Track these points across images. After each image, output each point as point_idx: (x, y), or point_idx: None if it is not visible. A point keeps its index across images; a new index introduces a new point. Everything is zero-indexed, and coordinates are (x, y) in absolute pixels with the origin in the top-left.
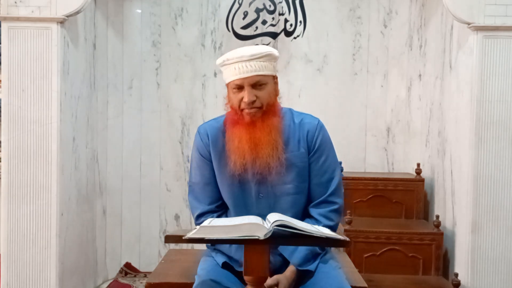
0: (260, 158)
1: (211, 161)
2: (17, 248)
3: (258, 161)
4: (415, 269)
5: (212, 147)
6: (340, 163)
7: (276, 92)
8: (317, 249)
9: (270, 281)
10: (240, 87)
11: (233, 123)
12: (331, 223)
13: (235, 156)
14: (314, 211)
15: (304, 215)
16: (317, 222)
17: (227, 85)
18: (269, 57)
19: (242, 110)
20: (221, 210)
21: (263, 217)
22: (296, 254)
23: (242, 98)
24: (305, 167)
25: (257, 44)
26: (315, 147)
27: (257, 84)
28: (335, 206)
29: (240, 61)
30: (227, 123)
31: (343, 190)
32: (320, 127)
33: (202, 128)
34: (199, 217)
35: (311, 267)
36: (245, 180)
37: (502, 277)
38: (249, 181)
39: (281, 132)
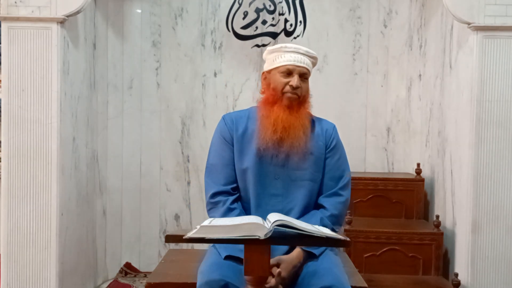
0: (290, 138)
1: (232, 145)
2: (17, 248)
3: (287, 141)
4: (415, 269)
5: (235, 131)
6: None
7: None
8: None
9: (271, 260)
10: (290, 73)
11: (271, 103)
12: (337, 213)
13: (268, 131)
14: (324, 201)
15: (314, 207)
16: (326, 210)
17: (273, 70)
18: (315, 59)
19: (283, 93)
20: (236, 193)
21: (278, 197)
22: None
23: (288, 82)
24: (321, 158)
25: (257, 44)
26: (331, 145)
27: (303, 75)
28: (342, 198)
29: (296, 52)
30: (263, 104)
31: (350, 188)
32: (336, 130)
33: (227, 115)
34: (214, 196)
35: (316, 251)
36: (264, 160)
37: (502, 277)
38: (268, 162)
39: (310, 122)
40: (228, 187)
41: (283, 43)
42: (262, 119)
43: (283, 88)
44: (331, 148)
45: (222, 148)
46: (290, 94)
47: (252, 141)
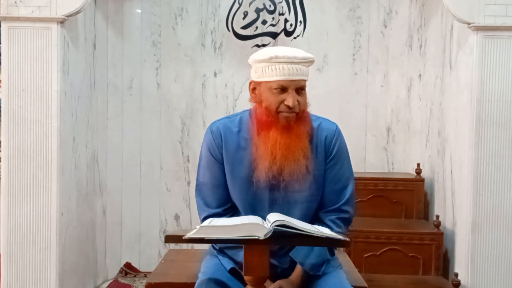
0: (289, 165)
1: (222, 163)
2: (17, 248)
3: (287, 168)
4: (415, 269)
5: (225, 149)
6: None
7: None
8: (328, 255)
9: (272, 286)
10: (283, 89)
11: (266, 125)
12: (341, 230)
13: (266, 161)
14: (325, 217)
15: (313, 220)
16: (328, 227)
17: (263, 83)
18: (311, 63)
19: (278, 112)
20: (229, 213)
21: None
22: (308, 260)
23: (282, 101)
24: (320, 175)
25: (257, 44)
26: (332, 154)
27: (300, 88)
28: (346, 215)
29: (290, 62)
30: (257, 122)
31: (355, 200)
32: (338, 133)
33: (215, 126)
34: (206, 220)
35: (320, 271)
36: (259, 185)
37: (502, 277)
38: (263, 187)
39: (309, 135)
40: (220, 210)
41: (283, 43)
42: (260, 145)
43: (277, 108)
44: (332, 157)
45: (212, 166)
46: (286, 113)
47: (244, 161)
